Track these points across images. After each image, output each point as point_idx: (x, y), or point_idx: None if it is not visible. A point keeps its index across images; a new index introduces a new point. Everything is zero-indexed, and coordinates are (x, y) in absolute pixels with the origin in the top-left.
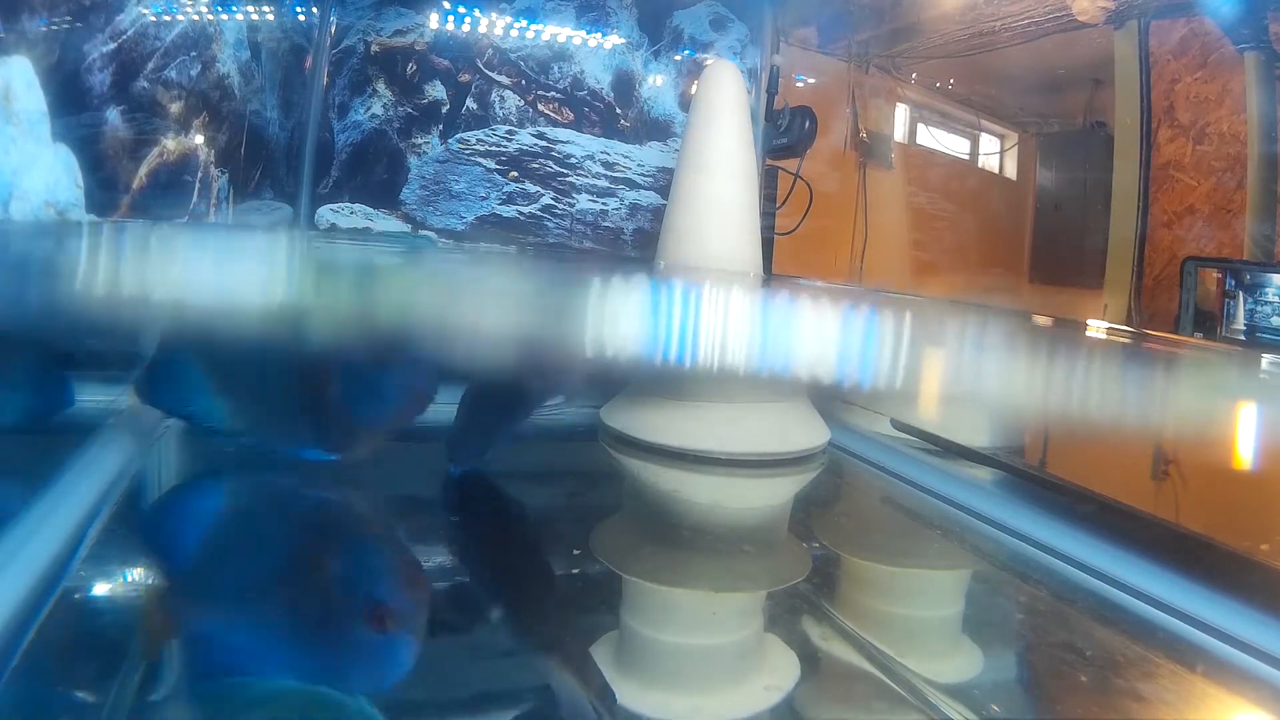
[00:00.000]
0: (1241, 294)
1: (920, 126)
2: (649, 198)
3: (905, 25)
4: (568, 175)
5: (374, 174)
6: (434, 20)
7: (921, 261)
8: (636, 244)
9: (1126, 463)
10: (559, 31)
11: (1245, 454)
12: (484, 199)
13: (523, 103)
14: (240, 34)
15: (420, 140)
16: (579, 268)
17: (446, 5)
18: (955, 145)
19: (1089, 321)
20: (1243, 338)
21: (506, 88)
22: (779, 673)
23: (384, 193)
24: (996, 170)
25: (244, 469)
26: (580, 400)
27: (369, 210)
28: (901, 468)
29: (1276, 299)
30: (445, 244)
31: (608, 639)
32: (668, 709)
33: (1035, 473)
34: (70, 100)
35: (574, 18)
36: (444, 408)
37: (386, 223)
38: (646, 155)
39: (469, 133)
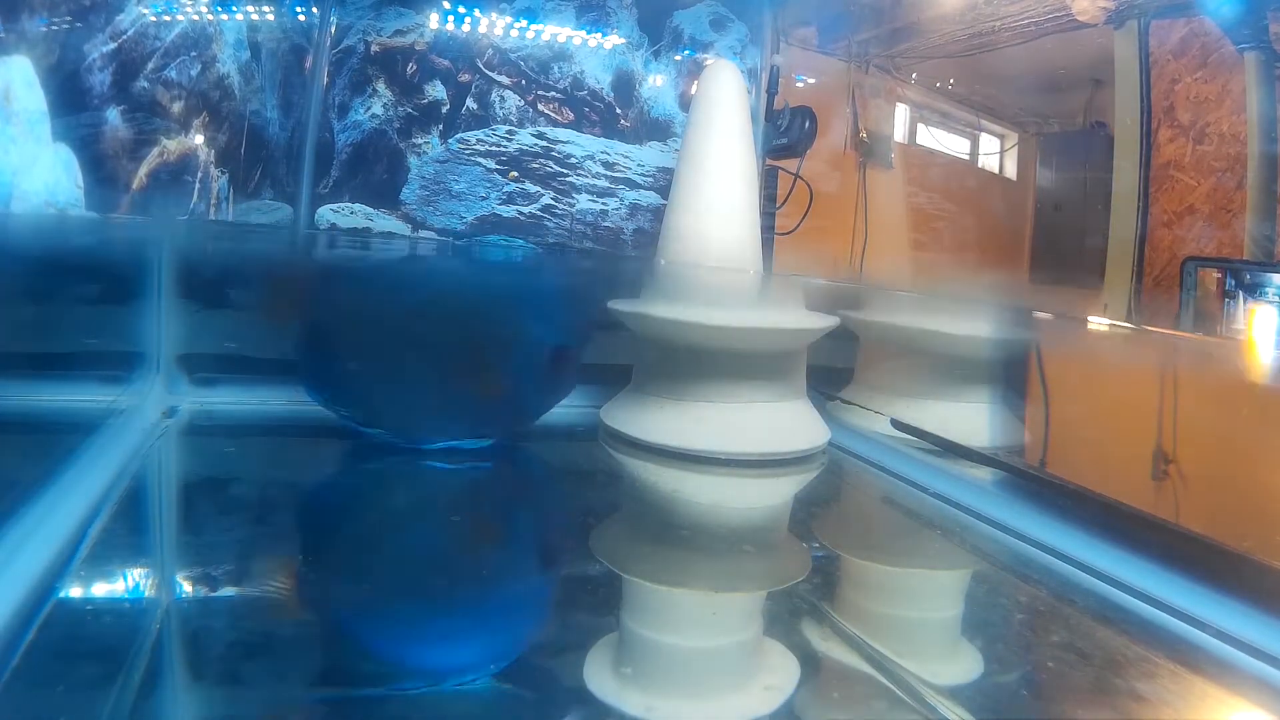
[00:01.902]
0: (1241, 294)
1: (920, 126)
2: (649, 198)
3: (905, 25)
4: (568, 175)
5: (374, 174)
6: (434, 20)
7: (921, 261)
8: (636, 244)
9: (1126, 462)
10: (559, 31)
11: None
12: (484, 199)
13: (523, 103)
14: (240, 34)
15: (420, 140)
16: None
17: (446, 5)
18: (955, 145)
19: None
20: (1242, 337)
21: (506, 88)
22: (779, 673)
23: (384, 193)
24: (996, 170)
25: None
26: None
27: (369, 210)
28: (901, 468)
29: (1276, 299)
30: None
31: (607, 640)
32: (667, 709)
33: (1035, 473)
34: (70, 100)
35: (574, 18)
36: None
37: (386, 223)
38: (646, 155)
39: (469, 133)
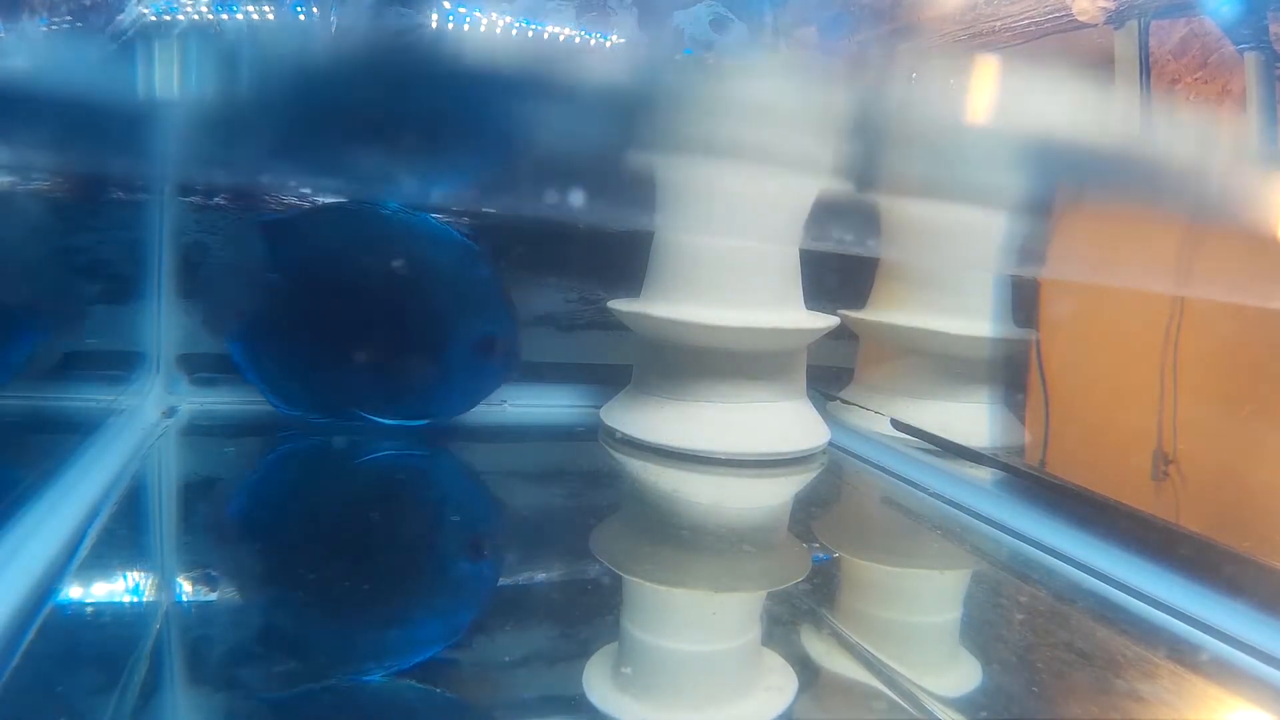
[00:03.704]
0: None
1: None
2: None
3: (905, 25)
4: None
5: None
6: (434, 21)
7: None
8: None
9: (1126, 462)
10: (559, 32)
11: None
12: None
13: None
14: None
15: None
16: None
17: (447, 5)
18: None
19: None
20: None
21: None
22: (779, 672)
23: None
24: None
25: None
26: None
27: None
28: (901, 468)
29: None
30: None
31: (606, 639)
32: (667, 709)
33: (1035, 473)
34: None
35: (574, 17)
36: None
37: None
38: None
39: None
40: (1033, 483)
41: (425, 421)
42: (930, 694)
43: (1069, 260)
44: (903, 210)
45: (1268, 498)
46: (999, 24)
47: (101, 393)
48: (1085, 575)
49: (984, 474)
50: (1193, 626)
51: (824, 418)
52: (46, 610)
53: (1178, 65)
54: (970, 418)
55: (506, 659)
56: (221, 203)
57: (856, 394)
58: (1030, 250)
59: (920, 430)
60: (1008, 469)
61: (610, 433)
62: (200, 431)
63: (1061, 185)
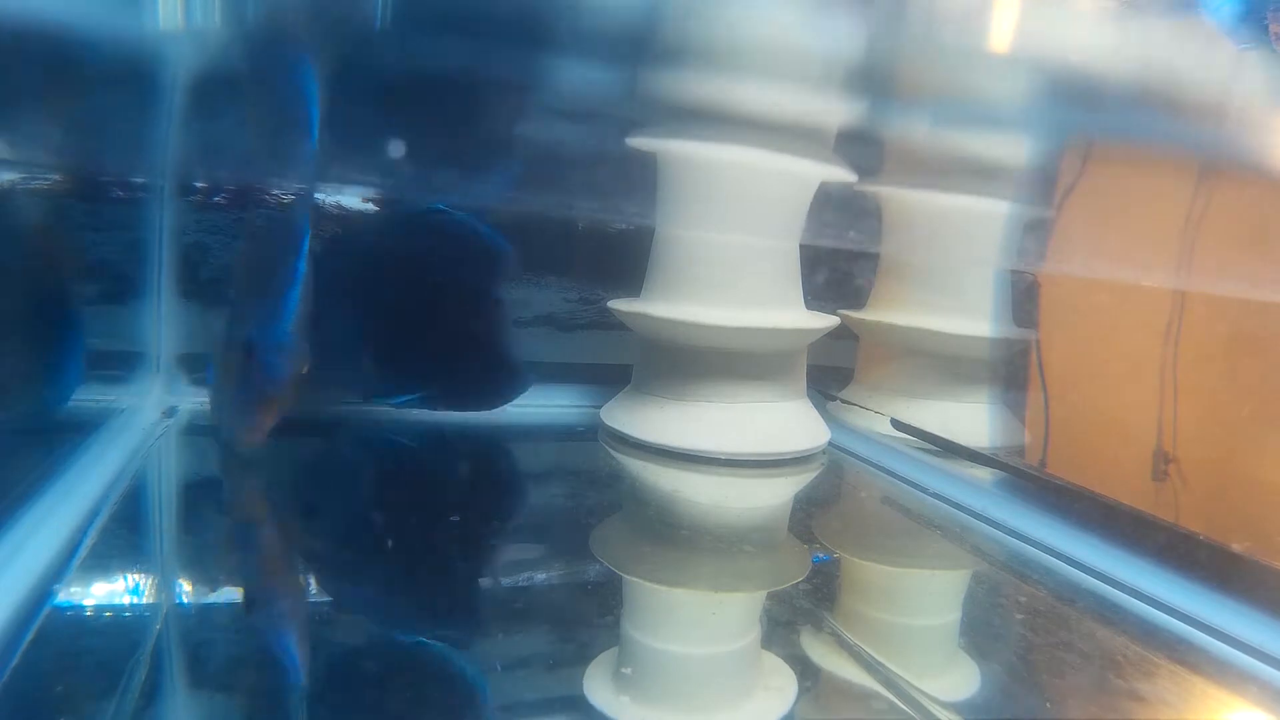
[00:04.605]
0: None
1: None
2: None
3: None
4: None
5: None
6: None
7: None
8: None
9: (1126, 462)
10: None
11: None
12: None
13: None
14: None
15: None
16: None
17: None
18: None
19: None
20: None
21: None
22: (779, 673)
23: None
24: None
25: None
26: None
27: None
28: (901, 468)
29: None
30: None
31: (606, 641)
32: (667, 710)
33: (1035, 473)
34: None
35: None
36: None
37: None
38: None
39: None
40: (1033, 483)
41: None
42: (930, 695)
43: (1073, 248)
44: (904, 201)
45: (1268, 497)
46: None
47: (101, 393)
48: (1085, 575)
49: (984, 474)
50: (1193, 626)
51: (824, 418)
52: (46, 611)
53: None
54: (970, 418)
55: (506, 660)
56: (221, 202)
57: (856, 394)
58: (1034, 233)
59: (920, 430)
60: (1008, 469)
61: (611, 433)
62: (200, 431)
63: (1074, 131)
